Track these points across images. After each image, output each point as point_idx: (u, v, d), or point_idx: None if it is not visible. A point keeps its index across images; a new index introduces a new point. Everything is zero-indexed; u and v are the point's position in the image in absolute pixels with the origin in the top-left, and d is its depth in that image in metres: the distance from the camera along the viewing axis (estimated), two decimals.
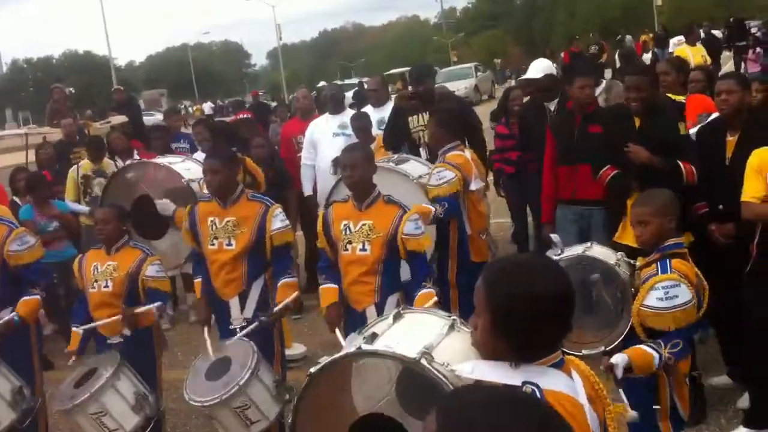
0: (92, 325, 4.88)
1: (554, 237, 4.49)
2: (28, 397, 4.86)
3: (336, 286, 4.66)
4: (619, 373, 3.33)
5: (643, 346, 3.50)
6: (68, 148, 9.83)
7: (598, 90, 7.97)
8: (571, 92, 5.89)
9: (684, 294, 3.51)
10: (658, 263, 3.62)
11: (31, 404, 4.88)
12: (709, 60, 11.72)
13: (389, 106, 8.17)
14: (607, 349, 3.76)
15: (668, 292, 3.50)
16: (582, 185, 5.74)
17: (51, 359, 6.88)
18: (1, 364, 4.76)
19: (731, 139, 4.89)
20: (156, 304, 4.83)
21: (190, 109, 52.79)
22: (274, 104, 18.95)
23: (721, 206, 4.88)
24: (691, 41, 12.59)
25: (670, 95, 6.05)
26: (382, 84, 8.70)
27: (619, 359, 3.38)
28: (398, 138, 6.94)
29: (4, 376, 4.75)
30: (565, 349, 2.16)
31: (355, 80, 40.36)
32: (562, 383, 2.03)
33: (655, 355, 3.44)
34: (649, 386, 3.62)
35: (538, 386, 1.98)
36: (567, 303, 2.05)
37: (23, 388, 4.81)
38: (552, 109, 6.65)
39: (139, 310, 4.79)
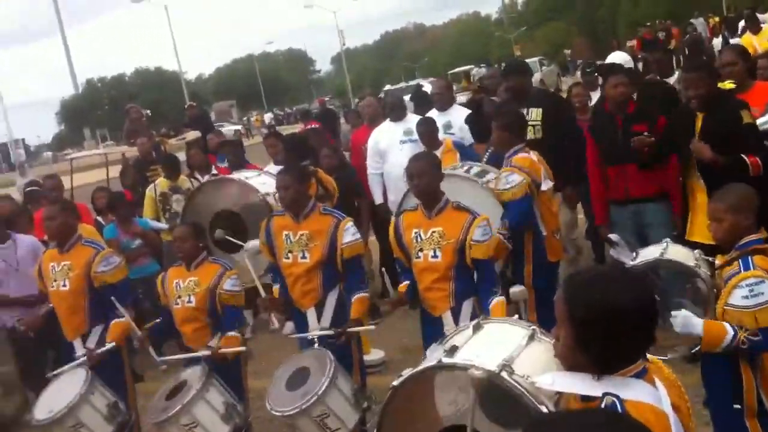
0: (184, 356, 5.03)
1: (614, 237, 4.47)
2: (123, 410, 5.09)
3: (408, 282, 4.77)
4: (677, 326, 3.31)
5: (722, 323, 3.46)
6: (145, 166, 10.14)
7: (672, 80, 7.84)
8: (606, 91, 5.83)
9: None
10: (740, 261, 3.55)
11: (125, 418, 5.11)
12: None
13: (454, 109, 8.16)
14: (693, 351, 3.73)
15: (753, 289, 3.44)
16: (633, 183, 5.73)
17: (140, 372, 7.12)
18: (96, 380, 5.00)
19: None
20: (230, 333, 4.97)
21: (252, 119, 52.93)
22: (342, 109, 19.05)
23: None
24: (753, 29, 11.76)
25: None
26: (446, 87, 8.61)
27: (684, 313, 3.36)
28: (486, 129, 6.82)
29: (99, 391, 4.99)
30: (649, 355, 2.17)
31: (420, 80, 40.35)
32: (644, 393, 2.03)
33: (730, 330, 3.39)
34: (732, 385, 3.57)
35: (618, 397, 1.99)
36: (648, 314, 2.06)
37: (118, 403, 5.04)
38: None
39: (225, 351, 4.89)
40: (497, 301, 4.43)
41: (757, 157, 4.88)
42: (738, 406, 3.57)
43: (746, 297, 3.45)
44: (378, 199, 7.99)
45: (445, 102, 8.11)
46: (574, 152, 6.41)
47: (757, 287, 3.44)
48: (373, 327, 5.01)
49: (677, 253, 3.99)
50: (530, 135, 6.45)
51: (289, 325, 6.38)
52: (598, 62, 11.41)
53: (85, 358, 5.12)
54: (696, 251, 4.01)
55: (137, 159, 10.80)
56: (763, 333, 3.41)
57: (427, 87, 11.99)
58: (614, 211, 5.93)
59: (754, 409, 3.59)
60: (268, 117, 51.69)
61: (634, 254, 4.00)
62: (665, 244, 4.11)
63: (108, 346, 5.14)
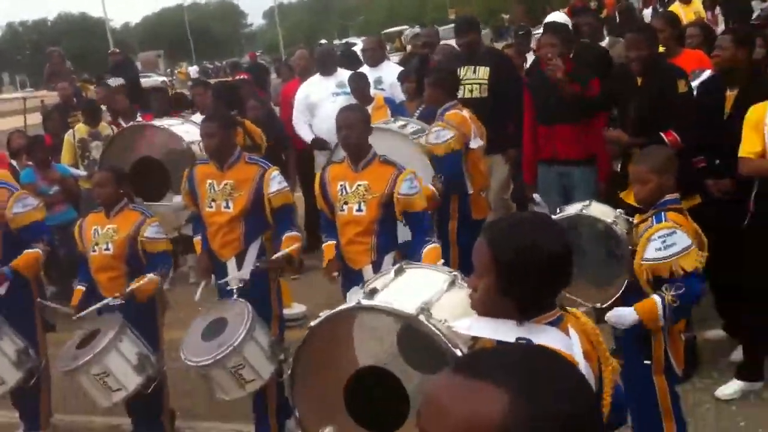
0: (96, 306, 4.87)
1: (536, 197, 4.53)
2: (33, 357, 4.94)
3: (334, 242, 4.70)
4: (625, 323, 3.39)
5: (648, 297, 3.51)
6: (66, 111, 9.80)
7: (603, 44, 7.92)
8: (538, 50, 5.88)
9: (682, 240, 3.50)
10: (653, 217, 3.62)
11: (35, 364, 4.97)
12: (703, 15, 11.44)
13: (386, 65, 8.15)
14: (604, 306, 3.80)
15: (665, 240, 3.49)
16: (561, 144, 5.77)
17: (52, 321, 6.93)
18: (5, 325, 4.84)
19: (730, 94, 4.89)
20: (149, 276, 4.82)
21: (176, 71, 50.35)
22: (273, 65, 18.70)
23: (717, 161, 4.90)
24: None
25: None
26: (377, 43, 8.72)
27: (615, 313, 3.43)
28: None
29: (8, 336, 4.85)
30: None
31: (354, 39, 39.97)
32: (556, 339, 2.06)
33: (658, 299, 3.44)
34: (641, 340, 3.66)
35: (531, 342, 2.01)
36: (569, 258, 2.09)
37: (28, 348, 4.89)
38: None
39: (134, 286, 4.75)
40: (431, 246, 4.41)
41: (675, 134, 4.96)
42: (648, 362, 3.66)
43: (659, 249, 3.50)
44: (307, 137, 7.84)
45: (377, 59, 8.10)
46: (519, 114, 6.48)
47: (669, 238, 3.50)
48: (299, 244, 4.91)
49: (597, 210, 4.05)
50: (476, 93, 6.48)
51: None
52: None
53: None
54: (618, 210, 4.07)
55: (58, 104, 10.42)
56: (685, 281, 3.47)
57: (360, 46, 11.94)
58: (541, 171, 5.97)
59: (661, 365, 3.69)
60: (193, 70, 49.58)
61: (558, 210, 4.05)
62: (588, 201, 4.16)
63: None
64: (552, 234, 2.08)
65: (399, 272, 2.91)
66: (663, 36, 5.72)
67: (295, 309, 6.64)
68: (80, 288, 5.02)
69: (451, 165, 5.35)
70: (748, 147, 4.43)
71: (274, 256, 4.78)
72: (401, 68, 8.16)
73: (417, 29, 14.14)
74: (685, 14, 10.23)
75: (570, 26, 7.04)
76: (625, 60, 5.36)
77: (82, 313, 4.83)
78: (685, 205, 3.99)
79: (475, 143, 5.60)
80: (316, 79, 8.00)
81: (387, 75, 7.92)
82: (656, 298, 3.46)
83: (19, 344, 4.87)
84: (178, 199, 5.48)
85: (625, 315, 3.50)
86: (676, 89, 5.10)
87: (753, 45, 5.20)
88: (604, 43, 7.92)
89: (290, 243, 4.81)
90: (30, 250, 5.07)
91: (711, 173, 4.95)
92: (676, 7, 11.36)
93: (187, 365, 4.35)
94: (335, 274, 4.65)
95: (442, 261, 4.30)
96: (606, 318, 3.53)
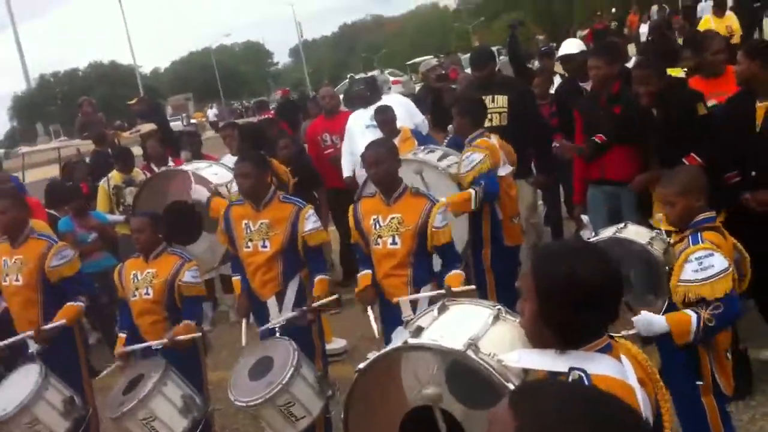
0: (139, 346, 4.95)
1: (584, 218, 4.49)
2: (79, 405, 4.99)
3: (371, 271, 4.72)
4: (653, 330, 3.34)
5: (682, 310, 3.46)
6: (104, 158, 9.92)
7: (630, 64, 7.91)
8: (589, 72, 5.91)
9: (719, 262, 3.44)
10: (690, 237, 3.58)
11: (82, 413, 5.02)
12: (737, 31, 11.33)
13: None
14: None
15: (702, 262, 3.44)
16: (611, 165, 5.73)
17: (97, 368, 7.01)
18: (51, 376, 4.89)
19: (761, 105, 4.84)
20: (185, 322, 4.86)
21: (192, 119, 47.43)
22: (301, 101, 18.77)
23: (753, 173, 4.85)
24: (718, 12, 11.74)
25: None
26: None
27: (644, 317, 3.38)
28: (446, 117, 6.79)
29: (54, 387, 4.89)
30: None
31: (377, 72, 40.24)
32: (610, 367, 2.03)
33: (693, 315, 3.38)
34: (689, 364, 3.61)
35: (585, 372, 1.99)
36: (613, 289, 2.05)
37: (74, 398, 4.94)
38: (588, 89, 6.61)
39: (179, 334, 4.78)
40: (454, 272, 4.46)
41: (697, 157, 4.92)
42: (701, 383, 3.61)
43: (696, 270, 3.45)
44: (346, 173, 7.95)
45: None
46: (542, 140, 6.45)
47: (706, 260, 3.45)
48: (337, 295, 4.97)
49: (633, 231, 4.01)
50: (496, 122, 6.50)
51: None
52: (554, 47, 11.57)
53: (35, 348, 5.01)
54: (655, 231, 4.04)
55: (96, 151, 10.60)
56: (724, 302, 3.41)
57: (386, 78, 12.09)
58: (590, 192, 5.95)
59: (710, 386, 3.64)
60: (211, 113, 49.00)
61: (590, 231, 4.03)
62: (624, 223, 4.13)
63: (58, 323, 5.04)
64: (595, 263, 2.03)
65: (442, 310, 2.90)
66: (690, 65, 5.75)
67: (335, 344, 6.64)
68: (122, 335, 5.08)
69: (492, 180, 5.36)
70: None
71: (314, 304, 4.82)
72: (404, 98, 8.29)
73: (434, 60, 14.09)
74: (717, 27, 10.20)
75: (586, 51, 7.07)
76: (635, 96, 5.37)
77: (127, 349, 4.91)
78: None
79: (504, 170, 5.61)
80: (359, 111, 8.09)
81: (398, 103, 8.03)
82: (692, 314, 3.41)
83: (65, 394, 4.92)
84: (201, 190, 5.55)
85: (654, 322, 3.42)
86: (696, 113, 5.10)
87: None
88: (630, 64, 7.90)
89: (321, 286, 4.89)
90: (72, 303, 5.15)
91: (746, 186, 4.89)
92: (707, 21, 11.29)
93: (236, 406, 4.36)
94: (369, 305, 4.64)
95: (474, 287, 4.30)
96: (633, 320, 3.47)
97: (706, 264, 3.45)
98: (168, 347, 4.77)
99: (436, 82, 9.39)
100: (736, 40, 10.43)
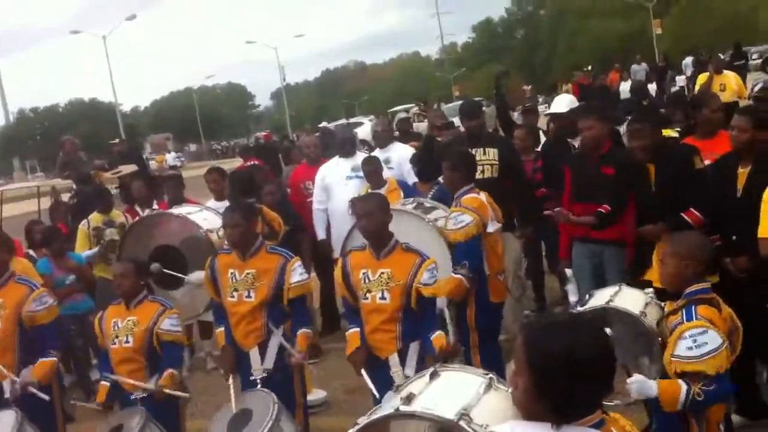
0: (116, 378, 4.88)
1: (568, 272, 4.49)
2: None
3: (359, 329, 4.67)
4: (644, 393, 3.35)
5: (674, 380, 3.47)
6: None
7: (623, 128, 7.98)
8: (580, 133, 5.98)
9: (713, 340, 3.45)
10: (684, 311, 3.58)
11: None
12: (732, 86, 11.42)
13: (394, 146, 8.26)
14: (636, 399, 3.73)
15: (696, 340, 3.44)
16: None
17: (71, 412, 6.86)
18: (26, 423, 4.78)
19: (742, 171, 4.89)
20: (168, 372, 4.85)
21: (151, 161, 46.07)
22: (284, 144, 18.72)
23: (734, 238, 4.89)
24: (716, 70, 11.68)
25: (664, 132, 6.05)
26: (387, 125, 8.93)
27: (639, 379, 3.38)
28: (435, 169, 6.73)
29: None
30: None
31: (361, 119, 40.35)
32: None
33: (683, 386, 3.39)
34: (680, 429, 3.59)
35: None
36: (607, 365, 2.05)
37: None
38: (576, 146, 6.68)
39: (167, 386, 4.79)
40: (438, 333, 4.46)
41: (696, 212, 4.96)
42: None
43: (690, 348, 3.45)
44: (320, 235, 7.95)
45: (385, 140, 8.28)
46: (529, 193, 6.47)
47: (700, 337, 3.44)
48: (320, 347, 4.95)
49: (626, 299, 4.00)
50: (487, 174, 6.55)
51: None
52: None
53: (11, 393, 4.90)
54: (649, 293, 4.03)
55: (79, 190, 10.50)
56: (716, 381, 3.42)
57: (367, 125, 12.13)
58: (575, 248, 5.97)
59: None
60: (170, 157, 47.40)
61: (587, 296, 4.02)
62: (618, 287, 4.12)
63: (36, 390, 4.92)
64: (589, 338, 2.03)
65: (434, 376, 2.88)
66: (721, 116, 5.84)
67: (315, 395, 6.56)
68: (104, 384, 4.99)
69: (472, 250, 5.35)
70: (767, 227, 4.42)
71: (293, 359, 4.82)
72: (410, 149, 8.26)
73: (414, 108, 14.09)
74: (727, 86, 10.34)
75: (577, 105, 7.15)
76: (629, 150, 5.40)
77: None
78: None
79: (492, 227, 5.61)
80: (335, 161, 8.08)
81: (394, 155, 8.03)
82: (683, 385, 3.42)
83: None
84: (199, 275, 5.49)
85: (646, 387, 3.44)
86: (693, 165, 5.12)
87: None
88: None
89: (303, 341, 4.88)
90: (45, 359, 5.04)
91: (727, 251, 4.93)
92: (704, 77, 11.40)
93: None
94: (361, 367, 4.57)
95: (463, 348, 4.27)
96: (627, 382, 3.47)
97: (701, 341, 3.44)
98: (151, 398, 4.69)
99: (441, 130, 9.29)
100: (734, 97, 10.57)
